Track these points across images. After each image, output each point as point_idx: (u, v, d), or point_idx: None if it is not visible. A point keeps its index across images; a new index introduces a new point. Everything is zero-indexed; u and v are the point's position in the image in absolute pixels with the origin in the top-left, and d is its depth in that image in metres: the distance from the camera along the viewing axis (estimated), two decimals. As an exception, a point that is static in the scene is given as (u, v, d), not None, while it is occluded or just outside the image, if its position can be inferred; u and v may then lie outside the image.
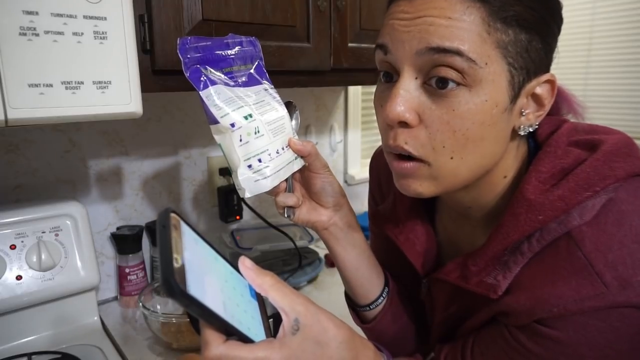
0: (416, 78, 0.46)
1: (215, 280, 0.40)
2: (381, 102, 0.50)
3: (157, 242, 0.37)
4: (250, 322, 0.41)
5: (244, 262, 0.44)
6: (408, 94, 0.46)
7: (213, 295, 0.38)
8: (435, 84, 0.44)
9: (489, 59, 0.43)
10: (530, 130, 0.49)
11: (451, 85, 0.44)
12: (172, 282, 0.34)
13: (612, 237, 0.42)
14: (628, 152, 0.46)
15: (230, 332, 0.39)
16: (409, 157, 0.48)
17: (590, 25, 1.90)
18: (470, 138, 0.45)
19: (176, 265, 0.35)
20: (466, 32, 0.42)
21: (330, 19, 0.90)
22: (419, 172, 0.48)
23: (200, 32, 0.72)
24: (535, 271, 0.45)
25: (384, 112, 0.47)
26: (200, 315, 0.37)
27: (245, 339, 0.40)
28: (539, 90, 0.47)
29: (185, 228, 0.40)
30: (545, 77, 0.47)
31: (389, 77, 0.49)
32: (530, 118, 0.48)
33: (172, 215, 0.39)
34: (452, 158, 0.46)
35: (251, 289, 0.45)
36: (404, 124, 0.46)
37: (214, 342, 0.38)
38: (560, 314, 0.43)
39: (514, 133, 0.49)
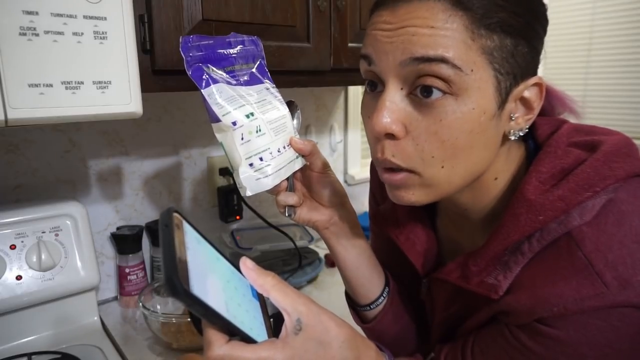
0: (401, 89, 0.45)
1: (218, 280, 0.40)
2: (368, 112, 0.49)
3: (160, 242, 0.37)
4: (252, 322, 0.41)
5: (245, 263, 0.44)
6: (394, 105, 0.45)
7: (215, 294, 0.38)
8: (421, 94, 0.44)
9: (474, 66, 0.43)
10: (521, 134, 0.49)
11: (437, 94, 0.43)
12: (175, 281, 0.34)
13: (612, 237, 0.42)
14: (628, 152, 0.46)
15: (233, 332, 0.39)
16: (399, 169, 0.48)
17: (590, 25, 1.90)
18: (460, 147, 0.45)
19: (179, 264, 0.35)
20: (450, 39, 0.42)
21: (330, 19, 0.90)
22: (409, 182, 0.48)
23: (200, 32, 0.72)
24: (535, 271, 0.45)
25: (370, 123, 0.47)
26: (202, 315, 0.37)
27: (247, 339, 0.40)
28: (527, 93, 0.47)
29: (187, 228, 0.40)
30: (532, 80, 0.46)
31: (374, 86, 0.49)
32: (519, 122, 0.48)
33: (175, 214, 0.39)
34: (442, 167, 0.46)
35: (253, 289, 0.45)
36: (391, 136, 0.46)
37: (217, 342, 0.38)
38: (560, 314, 0.43)
39: (504, 138, 0.48)
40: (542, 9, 0.46)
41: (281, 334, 0.42)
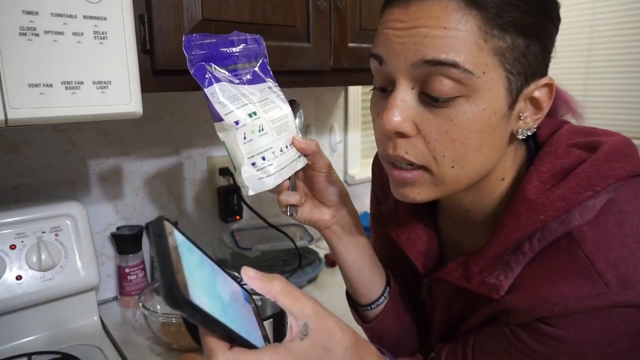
0: (412, 88, 0.45)
1: (212, 287, 0.40)
2: (377, 110, 0.49)
3: (155, 252, 0.36)
4: (248, 327, 0.41)
5: (247, 272, 0.42)
6: (404, 103, 0.45)
7: (213, 301, 0.37)
8: (431, 94, 0.44)
9: (486, 67, 0.42)
10: (529, 133, 0.49)
11: (448, 95, 0.43)
12: (175, 293, 0.33)
13: (613, 237, 0.42)
14: (628, 152, 0.46)
15: (232, 338, 0.39)
16: (410, 165, 0.47)
17: (590, 25, 1.90)
18: (470, 147, 0.45)
19: (177, 275, 0.34)
20: (462, 42, 0.42)
21: (330, 19, 0.90)
22: (420, 180, 0.48)
23: (200, 32, 0.71)
24: (536, 270, 0.45)
25: (380, 121, 0.46)
26: (202, 323, 0.37)
27: (248, 345, 0.39)
28: (537, 93, 0.47)
29: (178, 236, 0.39)
30: (543, 80, 0.46)
31: (384, 90, 0.49)
32: (528, 122, 0.48)
33: (166, 223, 0.38)
34: (453, 167, 0.46)
35: (244, 293, 0.45)
36: (401, 134, 0.46)
37: (220, 349, 0.38)
38: (561, 313, 0.43)
39: (512, 137, 0.49)
40: (556, 7, 0.46)
41: (286, 338, 0.41)
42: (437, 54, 0.42)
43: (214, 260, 0.44)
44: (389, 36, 0.45)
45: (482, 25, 0.42)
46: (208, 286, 0.39)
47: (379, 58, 0.47)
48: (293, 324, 0.41)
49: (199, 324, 0.37)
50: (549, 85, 0.47)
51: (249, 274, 0.41)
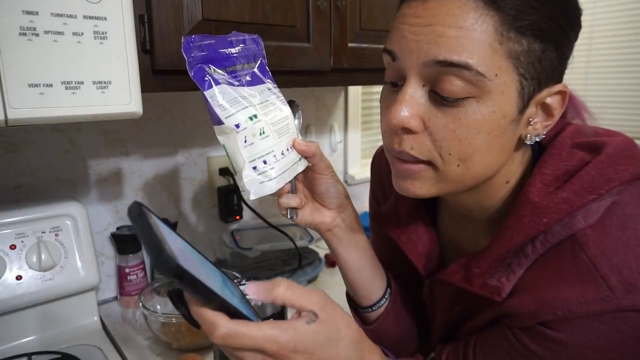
0: (423, 85, 0.45)
1: (202, 266, 0.39)
2: (387, 104, 0.49)
3: (139, 228, 0.34)
4: (239, 305, 0.40)
5: (250, 289, 0.41)
6: (414, 99, 0.45)
7: (204, 277, 0.36)
8: (442, 93, 0.43)
9: (499, 70, 0.42)
10: (537, 139, 0.48)
11: (458, 95, 0.43)
12: (166, 257, 0.31)
13: (617, 241, 0.42)
14: (632, 154, 0.46)
15: (229, 311, 0.37)
16: (414, 158, 0.47)
17: (590, 25, 1.90)
18: (477, 148, 0.44)
19: (165, 244, 0.33)
20: (476, 43, 0.41)
21: (330, 19, 0.90)
22: (423, 174, 0.47)
23: (200, 32, 0.71)
24: (539, 274, 0.45)
25: (388, 115, 0.46)
26: (196, 291, 0.35)
27: (244, 318, 0.38)
28: (549, 100, 0.46)
29: (156, 219, 0.38)
30: (557, 87, 0.45)
31: (395, 85, 0.49)
32: (537, 128, 0.47)
33: (144, 208, 0.37)
34: (458, 166, 0.46)
35: (225, 277, 0.44)
36: (407, 130, 0.46)
37: (222, 320, 0.36)
38: (564, 317, 0.43)
39: (520, 142, 0.48)
40: (577, 13, 0.45)
41: (291, 317, 0.41)
42: (450, 55, 0.41)
43: (191, 245, 0.43)
44: (404, 32, 0.44)
45: (498, 27, 0.41)
46: (193, 262, 0.37)
47: (392, 54, 0.47)
48: (303, 312, 0.41)
49: (191, 291, 0.35)
50: (562, 93, 0.46)
51: (251, 290, 0.41)
